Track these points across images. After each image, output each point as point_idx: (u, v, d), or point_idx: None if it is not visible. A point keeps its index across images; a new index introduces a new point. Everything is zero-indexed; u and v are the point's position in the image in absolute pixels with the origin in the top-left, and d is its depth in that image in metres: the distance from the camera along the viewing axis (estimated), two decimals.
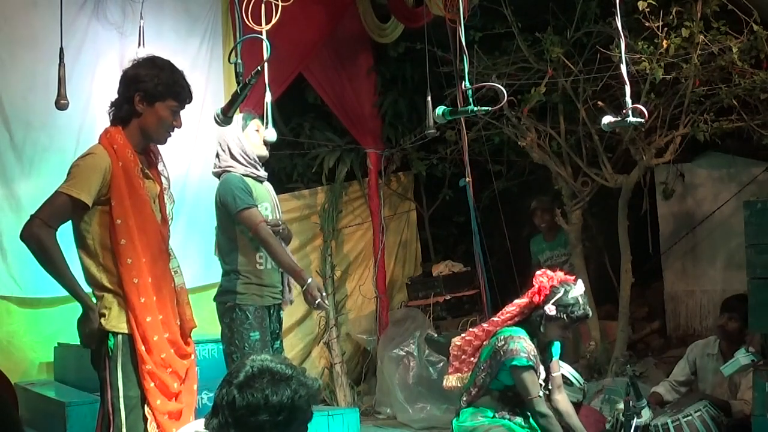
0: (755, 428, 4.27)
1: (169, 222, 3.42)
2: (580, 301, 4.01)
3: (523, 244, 7.12)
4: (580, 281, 4.13)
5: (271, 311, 4.24)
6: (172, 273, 3.34)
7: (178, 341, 3.27)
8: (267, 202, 4.25)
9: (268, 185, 4.36)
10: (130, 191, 3.16)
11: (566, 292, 4.01)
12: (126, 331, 3.14)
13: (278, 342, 4.36)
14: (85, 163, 3.15)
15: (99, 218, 3.16)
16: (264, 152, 4.29)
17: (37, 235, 3.08)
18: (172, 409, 3.21)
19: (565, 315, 4.00)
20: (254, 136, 4.26)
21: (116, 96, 3.27)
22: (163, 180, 3.41)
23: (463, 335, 4.28)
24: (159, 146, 3.42)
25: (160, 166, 3.42)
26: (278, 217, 4.28)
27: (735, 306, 4.92)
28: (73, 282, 3.12)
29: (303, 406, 2.26)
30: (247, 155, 4.21)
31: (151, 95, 3.19)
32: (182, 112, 3.32)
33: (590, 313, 4.13)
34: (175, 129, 3.31)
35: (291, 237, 4.40)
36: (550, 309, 3.99)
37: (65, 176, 3.20)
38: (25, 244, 3.11)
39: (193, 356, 3.39)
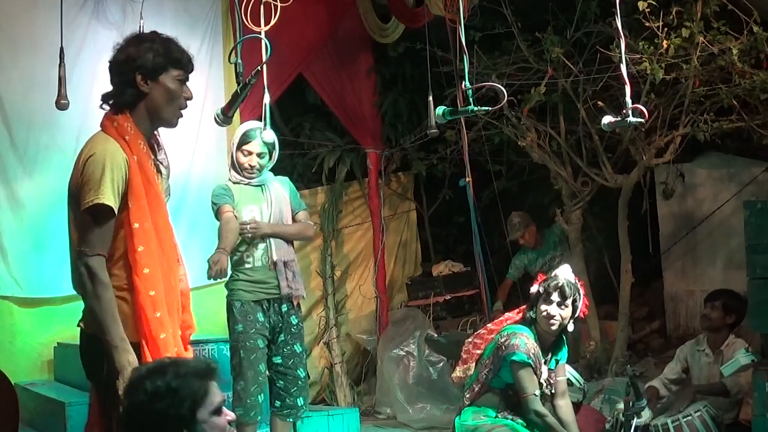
0: (755, 428, 4.28)
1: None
2: (560, 277, 4.06)
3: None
4: (567, 265, 4.22)
5: (266, 306, 4.47)
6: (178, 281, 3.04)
7: (182, 353, 2.98)
8: (255, 205, 4.52)
9: (265, 188, 4.58)
10: (146, 189, 2.86)
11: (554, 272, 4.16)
12: (135, 340, 2.83)
13: (297, 344, 4.55)
14: (104, 163, 2.81)
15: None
16: (251, 170, 4.53)
17: (88, 267, 2.79)
18: None
19: (541, 287, 4.06)
20: (243, 156, 4.53)
21: (112, 86, 2.98)
22: (163, 170, 3.06)
23: (478, 331, 4.31)
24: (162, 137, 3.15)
25: (161, 155, 3.06)
26: (269, 219, 4.51)
27: (716, 296, 5.07)
28: (117, 326, 2.79)
29: (189, 384, 2.26)
30: (238, 166, 4.55)
31: (152, 69, 2.89)
32: (184, 112, 3.06)
33: (563, 284, 4.03)
34: (187, 103, 3.01)
35: (268, 234, 4.49)
36: (534, 287, 4.11)
37: (82, 181, 2.83)
38: (82, 281, 2.83)
39: None
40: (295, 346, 4.52)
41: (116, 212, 2.81)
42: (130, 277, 2.83)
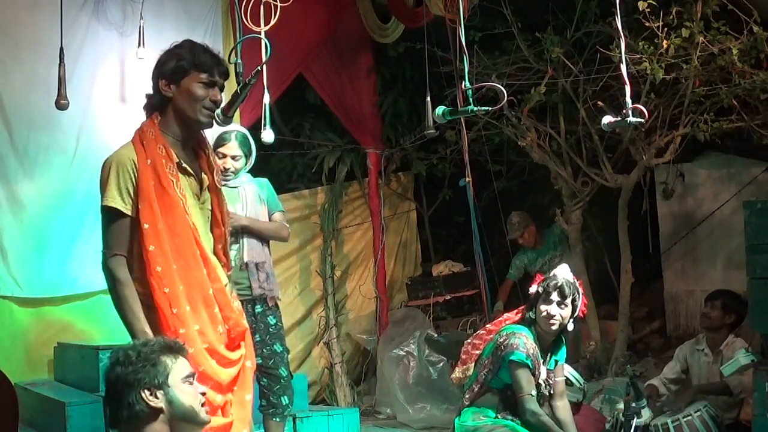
0: (755, 428, 4.28)
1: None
2: (559, 277, 4.06)
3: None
4: (565, 264, 4.21)
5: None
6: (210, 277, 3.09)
7: (219, 351, 3.04)
8: (230, 206, 4.49)
9: (241, 190, 4.57)
10: (158, 192, 2.96)
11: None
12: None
13: (277, 343, 4.54)
14: (111, 167, 2.97)
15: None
16: (225, 173, 4.49)
17: (107, 267, 2.96)
18: (216, 425, 2.91)
19: (540, 287, 4.06)
20: (218, 159, 4.46)
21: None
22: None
23: (477, 332, 4.31)
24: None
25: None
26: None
27: (716, 296, 5.12)
28: (138, 321, 2.93)
29: (158, 352, 2.52)
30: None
31: (174, 74, 3.02)
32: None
33: (562, 284, 4.03)
34: (216, 105, 3.07)
35: (246, 225, 4.50)
36: (533, 287, 4.11)
37: (98, 183, 3.01)
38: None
39: (247, 363, 3.16)
40: (274, 345, 4.52)
41: (128, 213, 2.95)
42: (146, 278, 2.96)
